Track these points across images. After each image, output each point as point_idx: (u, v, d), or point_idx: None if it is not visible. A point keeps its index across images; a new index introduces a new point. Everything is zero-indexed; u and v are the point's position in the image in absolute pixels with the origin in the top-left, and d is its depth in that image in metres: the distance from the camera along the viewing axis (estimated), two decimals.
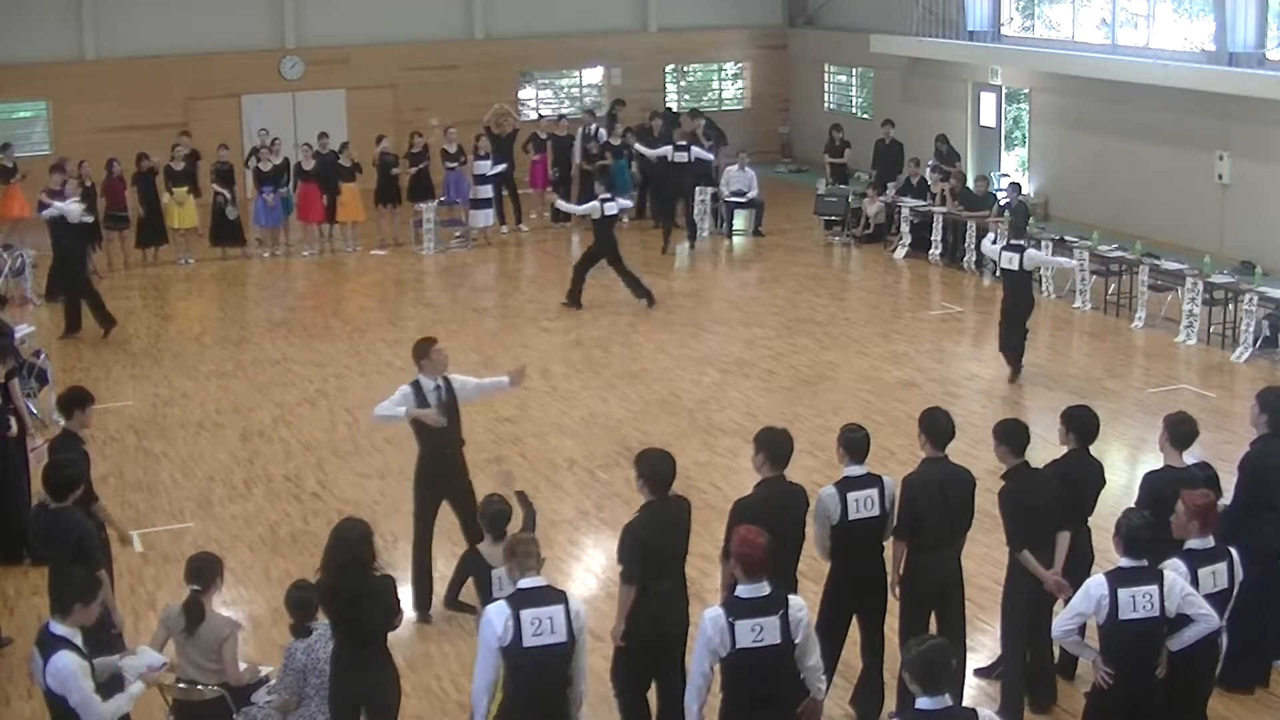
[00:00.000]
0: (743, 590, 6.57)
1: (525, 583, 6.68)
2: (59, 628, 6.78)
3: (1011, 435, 8.22)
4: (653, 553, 7.50)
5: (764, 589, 6.54)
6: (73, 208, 17.43)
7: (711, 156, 23.19)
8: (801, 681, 6.71)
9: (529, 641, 6.54)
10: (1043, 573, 8.05)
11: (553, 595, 6.69)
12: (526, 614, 6.55)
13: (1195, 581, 7.20)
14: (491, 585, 7.63)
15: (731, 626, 6.47)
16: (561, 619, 6.61)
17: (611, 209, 18.35)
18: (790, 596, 6.66)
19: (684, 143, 22.35)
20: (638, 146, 23.32)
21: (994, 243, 15.59)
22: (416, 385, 9.85)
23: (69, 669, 6.63)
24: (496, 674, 6.60)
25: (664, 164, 22.41)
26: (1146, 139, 21.31)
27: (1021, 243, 15.11)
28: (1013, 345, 15.18)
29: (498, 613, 6.59)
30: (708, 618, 6.54)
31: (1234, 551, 7.58)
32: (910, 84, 26.50)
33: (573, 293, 18.47)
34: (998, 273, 16.29)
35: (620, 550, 7.62)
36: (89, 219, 18.35)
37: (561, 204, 20.63)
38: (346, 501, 12.11)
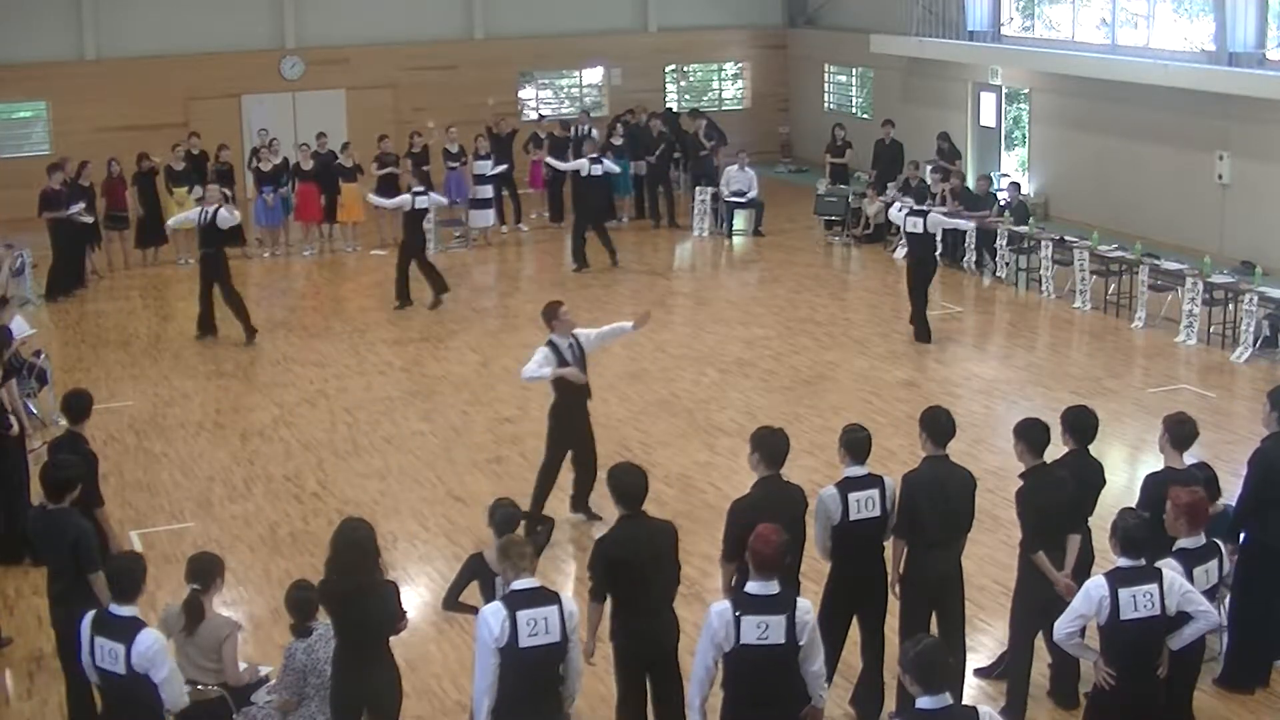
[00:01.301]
0: (753, 586, 6.58)
1: (519, 584, 6.69)
2: (123, 609, 6.79)
3: (1031, 434, 8.15)
4: (621, 568, 7.39)
5: (774, 587, 6.55)
6: (233, 215, 17.11)
7: (618, 169, 22.17)
8: (803, 686, 6.68)
9: (525, 642, 6.56)
10: (1055, 574, 8.03)
11: (547, 596, 6.70)
12: (523, 615, 6.57)
13: (1190, 580, 7.19)
14: (496, 590, 7.59)
15: (738, 621, 6.48)
16: (556, 619, 6.63)
17: (422, 203, 18.56)
18: (799, 599, 6.66)
19: (596, 155, 21.16)
20: (549, 160, 22.69)
21: (900, 209, 17.14)
22: (552, 345, 10.96)
23: (159, 644, 6.73)
24: (496, 674, 6.60)
25: (577, 178, 21.13)
26: (1146, 139, 21.30)
27: (924, 208, 16.91)
28: (920, 311, 16.58)
29: (494, 613, 6.60)
30: (714, 611, 6.56)
31: (1222, 547, 7.59)
32: (910, 84, 26.50)
33: (401, 291, 18.69)
34: (903, 239, 17.53)
35: (589, 566, 7.63)
36: (233, 223, 17.32)
37: (373, 198, 20.43)
38: (346, 501, 12.11)
